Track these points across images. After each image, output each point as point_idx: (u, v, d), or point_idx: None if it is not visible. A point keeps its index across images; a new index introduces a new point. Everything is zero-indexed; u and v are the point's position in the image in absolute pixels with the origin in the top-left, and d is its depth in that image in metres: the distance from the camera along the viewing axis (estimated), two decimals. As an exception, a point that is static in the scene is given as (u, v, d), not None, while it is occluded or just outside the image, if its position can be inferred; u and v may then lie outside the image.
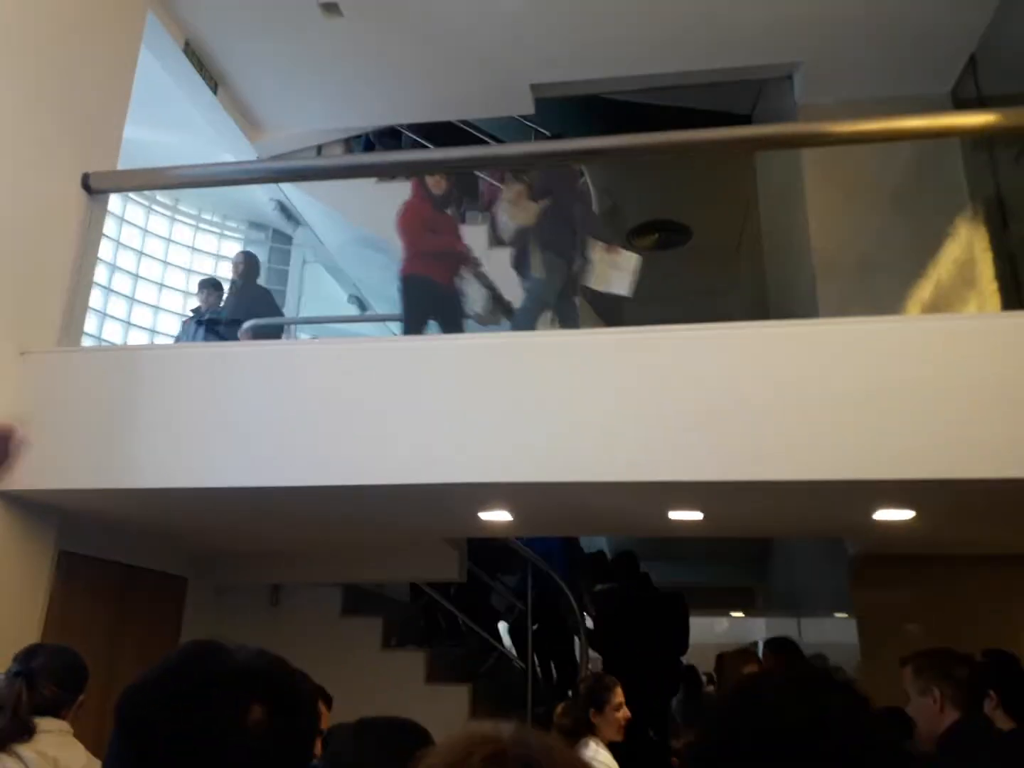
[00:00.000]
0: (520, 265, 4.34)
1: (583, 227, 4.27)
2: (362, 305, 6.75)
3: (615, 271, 4.11)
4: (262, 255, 6.95)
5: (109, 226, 5.93)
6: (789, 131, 3.65)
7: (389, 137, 6.00)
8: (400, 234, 4.29)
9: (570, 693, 2.88)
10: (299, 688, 0.88)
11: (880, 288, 4.14)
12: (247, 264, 5.57)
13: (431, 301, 4.16)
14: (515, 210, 4.29)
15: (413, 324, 4.11)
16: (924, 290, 4.22)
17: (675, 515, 3.03)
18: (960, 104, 4.52)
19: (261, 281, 5.85)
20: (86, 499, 2.87)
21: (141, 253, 6.43)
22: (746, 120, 5.83)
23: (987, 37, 4.22)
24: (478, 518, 3.11)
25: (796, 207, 4.67)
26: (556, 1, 4.10)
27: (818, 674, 0.95)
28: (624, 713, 2.90)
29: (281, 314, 5.84)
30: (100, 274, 6.02)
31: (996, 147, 4.27)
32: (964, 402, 2.33)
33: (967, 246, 4.23)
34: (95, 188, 3.28)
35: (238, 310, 5.21)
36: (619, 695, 2.92)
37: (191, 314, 5.55)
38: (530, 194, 4.33)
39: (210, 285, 5.59)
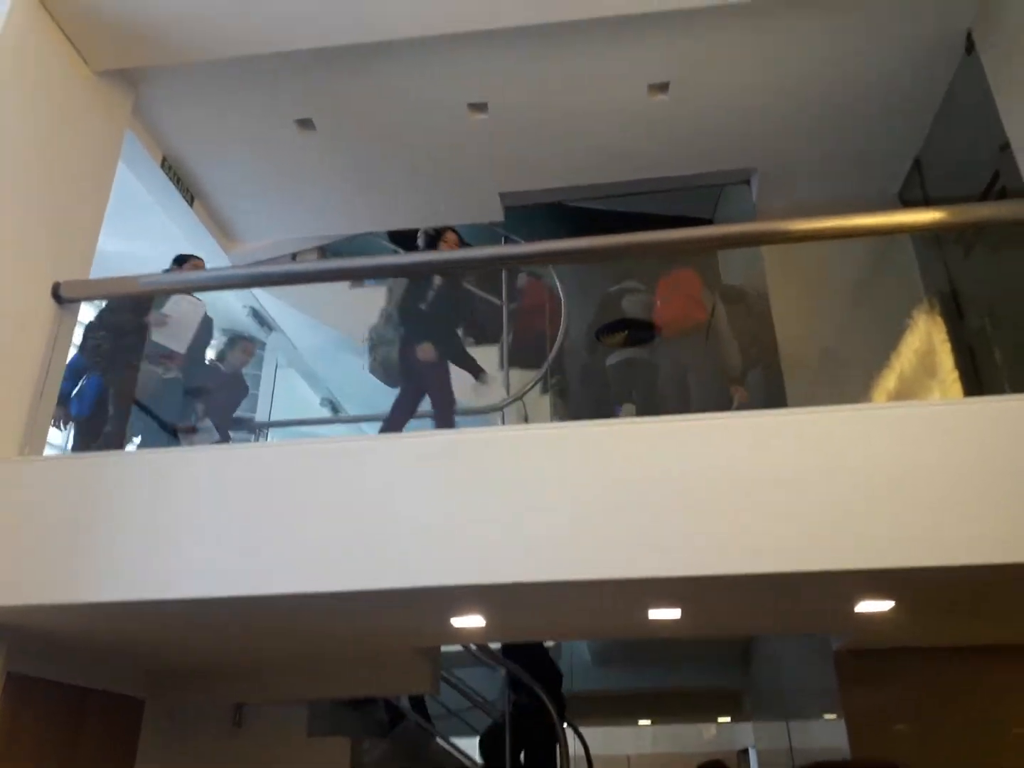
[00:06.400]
0: None
1: None
2: (335, 408, 6.74)
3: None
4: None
5: (79, 333, 5.92)
6: (751, 230, 3.76)
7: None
8: None
9: None
10: None
11: (845, 379, 4.22)
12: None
13: None
14: None
15: None
16: (888, 380, 4.30)
17: (655, 614, 2.95)
18: (907, 205, 4.75)
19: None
20: (41, 616, 2.73)
21: (112, 362, 6.39)
22: (708, 223, 6.07)
23: (929, 142, 4.47)
24: (450, 624, 3.01)
25: (760, 303, 4.80)
26: (520, 115, 4.30)
27: None
28: None
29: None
30: (69, 383, 5.96)
31: (945, 244, 4.45)
32: (939, 488, 2.33)
33: (926, 337, 4.35)
34: (65, 297, 3.30)
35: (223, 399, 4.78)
36: None
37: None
38: None
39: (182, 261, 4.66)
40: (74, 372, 4.38)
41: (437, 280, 4.46)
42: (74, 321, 3.46)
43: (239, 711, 3.97)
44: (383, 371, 4.45)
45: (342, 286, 5.70)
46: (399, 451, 2.67)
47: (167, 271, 4.57)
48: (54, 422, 4.24)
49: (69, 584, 2.58)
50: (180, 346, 4.37)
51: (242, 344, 4.94)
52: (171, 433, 4.36)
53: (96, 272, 3.61)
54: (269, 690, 3.82)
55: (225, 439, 4.66)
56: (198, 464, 2.80)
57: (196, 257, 4.66)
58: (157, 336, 4.29)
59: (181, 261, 4.63)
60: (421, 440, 2.67)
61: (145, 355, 4.28)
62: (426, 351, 4.31)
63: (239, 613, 2.81)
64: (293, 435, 6.06)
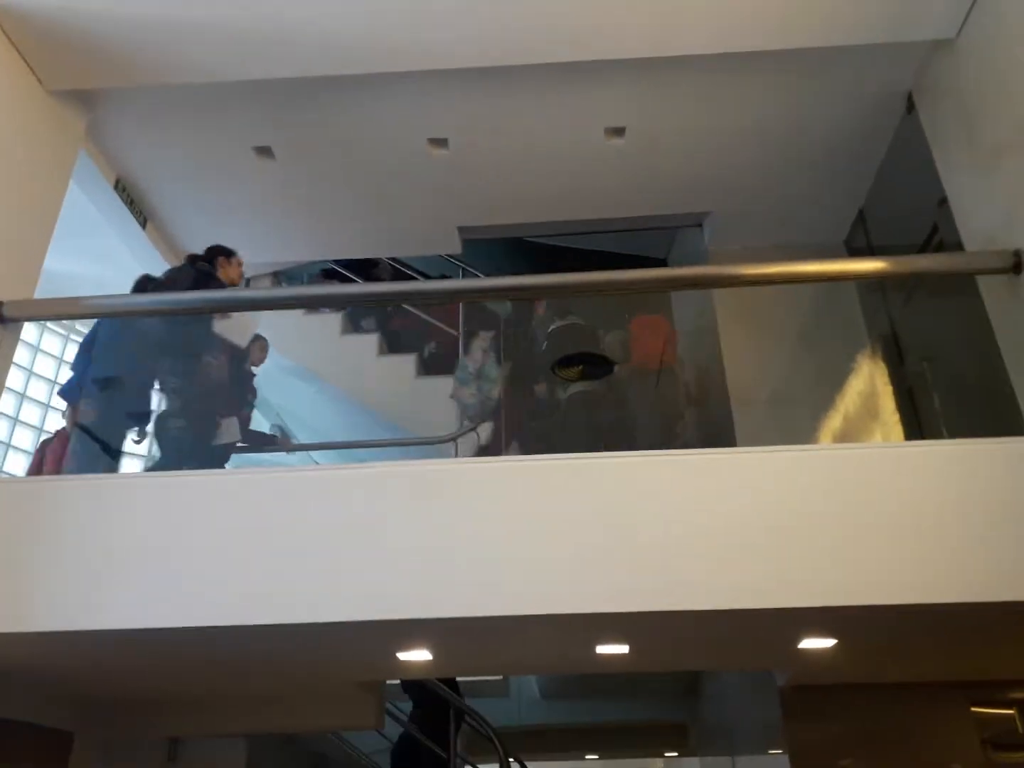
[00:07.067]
0: None
1: None
2: (284, 434, 6.63)
3: None
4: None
5: (21, 354, 5.76)
6: (703, 273, 3.87)
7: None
8: None
9: None
10: None
11: (792, 419, 4.32)
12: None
13: None
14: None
15: None
16: (833, 421, 4.42)
17: (602, 649, 2.95)
18: (853, 253, 4.92)
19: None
20: (-36, 646, 2.61)
21: (54, 383, 6.23)
22: (662, 263, 6.19)
23: (873, 194, 4.65)
24: (396, 659, 2.96)
25: (710, 343, 4.90)
26: (480, 151, 4.35)
27: None
28: None
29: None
30: (7, 403, 5.79)
31: (887, 291, 4.62)
32: (881, 529, 2.40)
33: (869, 380, 4.49)
34: (8, 317, 3.20)
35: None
36: None
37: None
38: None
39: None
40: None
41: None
42: (16, 340, 3.36)
43: (174, 745, 3.83)
44: (479, 406, 4.48)
45: (294, 312, 5.65)
46: (345, 483, 2.64)
47: (195, 257, 4.21)
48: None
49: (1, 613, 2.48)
50: (242, 341, 4.21)
51: (259, 342, 4.78)
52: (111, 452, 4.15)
53: (41, 292, 3.52)
54: (206, 724, 3.70)
55: (247, 442, 4.52)
56: (136, 491, 2.72)
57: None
58: (218, 327, 4.02)
59: (228, 254, 4.20)
60: (368, 472, 2.65)
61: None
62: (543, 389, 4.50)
63: (175, 645, 2.72)
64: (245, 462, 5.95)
